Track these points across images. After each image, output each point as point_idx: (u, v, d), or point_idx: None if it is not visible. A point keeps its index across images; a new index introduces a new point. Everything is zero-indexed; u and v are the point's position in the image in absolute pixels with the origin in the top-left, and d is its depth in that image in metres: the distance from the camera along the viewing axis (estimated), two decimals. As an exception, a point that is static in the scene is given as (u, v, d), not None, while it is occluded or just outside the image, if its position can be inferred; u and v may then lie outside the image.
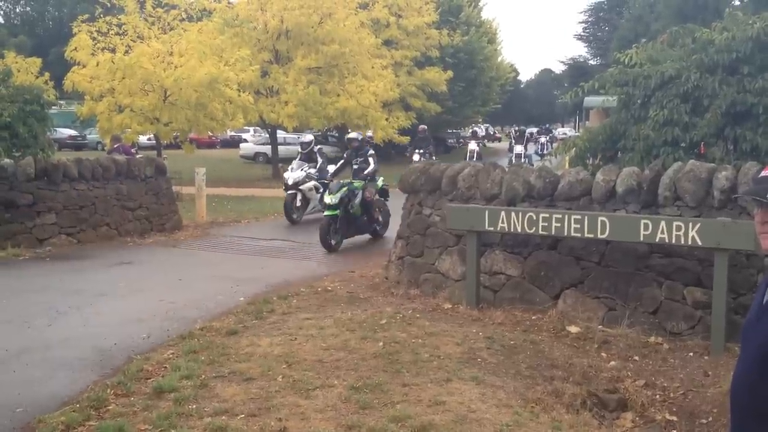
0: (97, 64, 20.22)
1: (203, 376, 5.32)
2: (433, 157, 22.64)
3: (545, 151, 31.81)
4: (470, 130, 45.03)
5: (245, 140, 40.79)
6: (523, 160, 27.41)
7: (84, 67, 20.59)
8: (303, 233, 13.04)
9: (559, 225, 6.85)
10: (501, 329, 6.70)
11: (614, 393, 5.42)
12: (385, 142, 29.31)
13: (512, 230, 7.17)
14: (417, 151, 22.98)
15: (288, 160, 30.00)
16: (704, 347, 6.28)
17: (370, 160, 12.24)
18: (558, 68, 79.85)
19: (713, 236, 6.14)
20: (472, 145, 29.12)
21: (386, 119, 28.13)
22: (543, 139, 36.94)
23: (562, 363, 5.86)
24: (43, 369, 5.75)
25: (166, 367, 5.62)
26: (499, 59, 45.64)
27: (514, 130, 37.62)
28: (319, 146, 15.53)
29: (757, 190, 1.98)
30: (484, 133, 53.89)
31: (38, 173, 11.48)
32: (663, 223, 6.34)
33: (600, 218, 6.66)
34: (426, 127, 25.82)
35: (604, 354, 6.21)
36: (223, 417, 4.58)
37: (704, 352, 6.22)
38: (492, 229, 7.28)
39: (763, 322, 1.99)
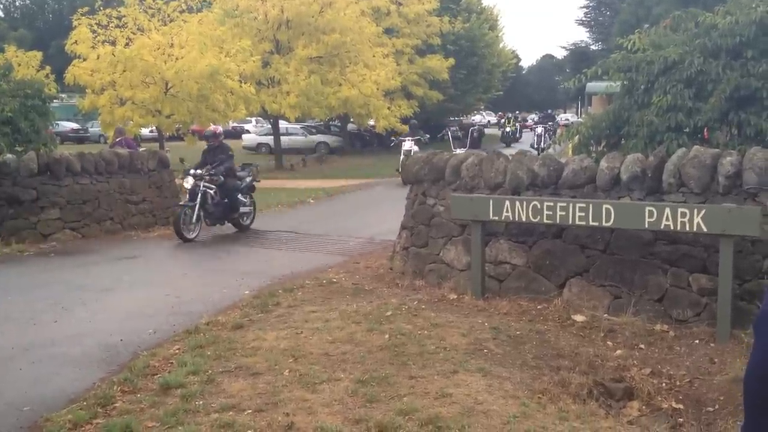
0: (98, 57, 20.19)
1: (210, 372, 5.32)
2: (255, 180, 13.10)
3: (543, 145, 27.94)
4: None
5: (247, 131, 40.74)
6: None
7: (85, 60, 20.55)
8: (307, 223, 13.03)
9: (563, 213, 6.83)
10: (507, 319, 6.69)
11: (620, 382, 5.42)
12: (386, 131, 29.30)
13: (517, 219, 7.15)
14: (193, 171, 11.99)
15: (291, 151, 30.18)
16: (710, 334, 6.27)
17: None
18: (560, 54, 79.46)
19: (718, 222, 6.11)
20: (407, 145, 20.92)
21: (388, 108, 28.09)
22: (540, 130, 30.87)
23: (568, 353, 5.85)
24: (49, 366, 5.75)
25: (172, 362, 5.63)
26: (501, 46, 45.47)
27: (452, 127, 27.57)
28: None
29: None
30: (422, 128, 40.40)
31: (41, 168, 11.48)
32: (668, 210, 6.31)
33: (605, 206, 6.64)
34: (218, 129, 13.45)
35: (609, 343, 6.20)
36: (230, 412, 4.59)
37: (710, 339, 6.21)
38: (496, 218, 7.26)
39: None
